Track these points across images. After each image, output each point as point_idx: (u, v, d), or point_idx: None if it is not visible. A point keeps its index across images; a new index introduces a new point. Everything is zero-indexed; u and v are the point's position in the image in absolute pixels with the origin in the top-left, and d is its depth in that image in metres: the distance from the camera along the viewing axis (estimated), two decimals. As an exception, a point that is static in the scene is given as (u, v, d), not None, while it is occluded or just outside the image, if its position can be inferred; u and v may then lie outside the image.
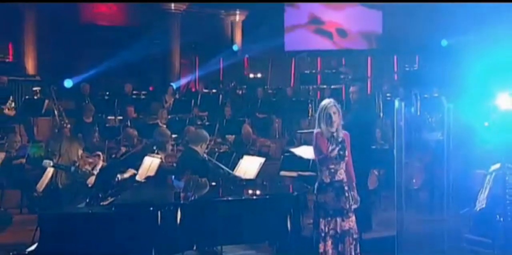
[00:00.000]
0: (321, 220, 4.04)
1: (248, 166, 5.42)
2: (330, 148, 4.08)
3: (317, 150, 4.13)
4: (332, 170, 4.09)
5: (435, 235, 5.28)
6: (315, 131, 4.23)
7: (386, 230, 5.12)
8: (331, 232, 4.02)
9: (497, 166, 4.41)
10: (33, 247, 3.20)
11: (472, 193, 5.66)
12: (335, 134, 4.11)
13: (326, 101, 4.26)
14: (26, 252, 3.17)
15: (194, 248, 3.35)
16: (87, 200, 3.49)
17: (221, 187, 4.76)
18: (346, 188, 4.11)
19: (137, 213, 3.24)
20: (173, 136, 8.13)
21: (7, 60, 11.06)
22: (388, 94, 10.18)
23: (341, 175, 4.12)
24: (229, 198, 3.78)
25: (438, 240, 5.22)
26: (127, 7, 13.04)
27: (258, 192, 4.45)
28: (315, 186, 4.10)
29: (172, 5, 13.03)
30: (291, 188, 4.88)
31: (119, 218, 3.19)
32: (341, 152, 4.12)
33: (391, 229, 5.03)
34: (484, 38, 10.16)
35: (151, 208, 3.23)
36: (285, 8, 13.61)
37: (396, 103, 5.29)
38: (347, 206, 4.08)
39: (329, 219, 4.03)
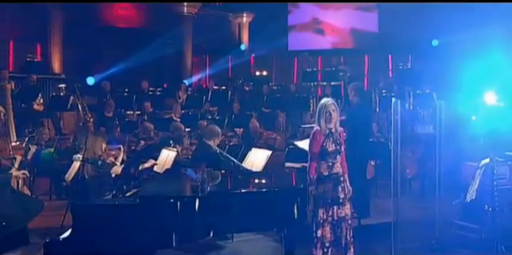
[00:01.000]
0: (320, 208, 4.08)
1: (256, 159, 5.40)
2: (328, 144, 4.12)
3: (313, 146, 4.16)
4: (330, 164, 4.13)
5: (427, 220, 5.28)
6: (314, 128, 4.25)
7: (383, 216, 5.10)
8: (329, 219, 4.08)
9: (487, 160, 4.41)
10: (66, 234, 3.22)
11: (461, 182, 5.67)
12: (333, 130, 4.16)
13: (325, 100, 4.30)
14: (60, 239, 3.18)
15: (211, 235, 3.37)
16: (114, 192, 3.52)
17: (232, 178, 4.78)
18: (341, 179, 4.16)
19: (159, 204, 3.26)
20: (187, 129, 8.17)
21: (36, 60, 11.07)
22: (383, 91, 10.16)
23: (338, 167, 4.17)
24: (243, 191, 3.80)
25: (430, 226, 5.23)
26: (144, 11, 13.02)
27: (264, 181, 4.46)
28: (313, 178, 4.10)
29: (185, 8, 13.01)
30: (293, 179, 4.86)
31: (143, 208, 3.20)
32: (338, 147, 4.17)
33: (387, 215, 5.02)
34: (472, 39, 10.10)
35: (172, 200, 3.25)
36: (288, 10, 13.55)
37: (393, 100, 5.28)
38: (343, 195, 4.14)
39: (327, 207, 4.08)
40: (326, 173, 4.11)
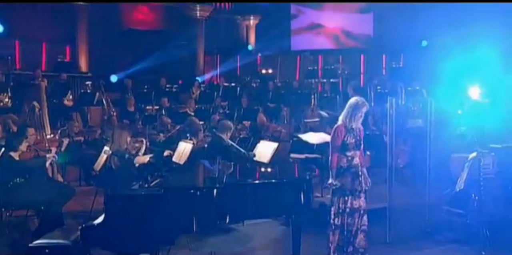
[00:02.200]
0: (338, 199, 4.05)
1: (263, 150, 5.34)
2: (349, 139, 4.03)
3: (335, 140, 4.06)
4: (350, 157, 4.05)
5: (418, 206, 5.30)
6: (338, 123, 4.12)
7: (378, 201, 5.11)
8: (347, 209, 4.04)
9: (474, 154, 4.39)
10: (99, 220, 3.25)
11: (448, 172, 5.66)
12: (354, 126, 4.07)
13: (359, 99, 4.13)
14: (95, 224, 3.21)
15: (227, 221, 3.39)
16: (140, 182, 3.54)
17: (242, 168, 4.78)
18: (360, 172, 4.08)
19: (181, 194, 3.29)
20: (200, 122, 8.16)
21: (65, 60, 11.11)
22: (378, 87, 10.09)
23: (356, 161, 4.07)
24: (256, 182, 3.81)
25: (421, 211, 5.25)
26: (161, 15, 12.99)
27: (269, 170, 4.45)
28: (334, 169, 4.04)
29: (198, 12, 13.00)
30: (296, 170, 4.87)
31: (167, 198, 3.23)
32: (357, 142, 4.08)
33: (382, 201, 5.03)
34: (458, 40, 10.00)
35: (192, 190, 3.27)
36: (291, 14, 13.45)
37: (388, 97, 5.25)
38: (360, 187, 4.07)
39: (346, 198, 4.03)
40: (345, 166, 4.04)
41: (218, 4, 13.39)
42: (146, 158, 5.23)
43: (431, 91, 8.77)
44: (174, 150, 5.72)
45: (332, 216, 4.07)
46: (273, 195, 3.51)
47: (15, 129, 6.80)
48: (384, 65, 12.24)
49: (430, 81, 9.43)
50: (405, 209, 5.19)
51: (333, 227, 4.07)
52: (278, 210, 3.66)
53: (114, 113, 8.93)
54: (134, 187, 3.56)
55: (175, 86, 11.25)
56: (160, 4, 12.79)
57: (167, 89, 10.87)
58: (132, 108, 9.58)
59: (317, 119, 8.39)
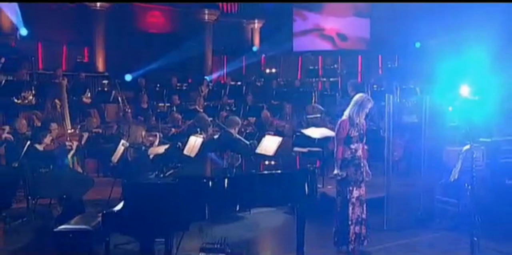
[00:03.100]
0: (342, 188, 4.05)
1: (269, 144, 5.35)
2: (353, 132, 4.02)
3: (340, 133, 4.04)
4: (353, 150, 4.05)
5: (413, 196, 5.29)
6: (342, 118, 4.10)
7: (376, 192, 5.09)
8: (352, 199, 4.04)
9: (468, 146, 4.36)
10: (119, 207, 3.25)
11: (440, 164, 5.64)
12: (358, 121, 4.05)
13: (364, 96, 4.10)
14: (115, 210, 3.21)
15: (237, 208, 3.38)
16: (156, 173, 3.54)
17: (249, 160, 4.78)
18: (362, 164, 4.08)
19: (195, 183, 3.28)
20: (209, 118, 8.15)
21: (84, 61, 11.10)
22: (374, 86, 10.05)
23: (359, 153, 4.08)
24: (264, 172, 3.81)
25: (416, 200, 5.24)
26: (172, 19, 12.96)
27: (273, 162, 4.44)
28: (339, 160, 4.02)
29: (206, 16, 12.93)
30: (298, 162, 4.85)
31: (182, 187, 3.22)
32: (361, 136, 4.07)
33: (380, 191, 5.03)
34: (449, 42, 9.97)
35: (205, 180, 3.26)
36: (293, 18, 13.41)
37: (386, 95, 5.23)
38: (361, 178, 4.07)
39: (350, 188, 4.03)
40: (349, 157, 4.03)
41: (225, 8, 13.37)
42: (162, 149, 5.23)
43: (424, 89, 8.74)
44: (184, 144, 5.74)
45: (340, 205, 4.06)
46: (280, 184, 3.50)
47: (39, 123, 6.83)
48: (380, 65, 12.19)
49: (423, 80, 9.39)
50: (401, 198, 5.18)
51: (339, 216, 4.07)
52: (285, 199, 3.65)
53: (129, 110, 8.93)
54: (151, 176, 3.55)
55: (185, 84, 11.22)
56: (171, 9, 12.76)
57: (177, 87, 10.84)
58: (145, 105, 9.59)
59: (318, 115, 8.36)
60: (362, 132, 4.08)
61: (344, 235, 4.06)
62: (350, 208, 4.02)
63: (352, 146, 4.03)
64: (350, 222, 4.03)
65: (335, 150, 4.06)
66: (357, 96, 4.16)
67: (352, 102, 4.13)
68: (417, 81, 9.43)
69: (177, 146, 5.57)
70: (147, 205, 3.13)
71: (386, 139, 4.99)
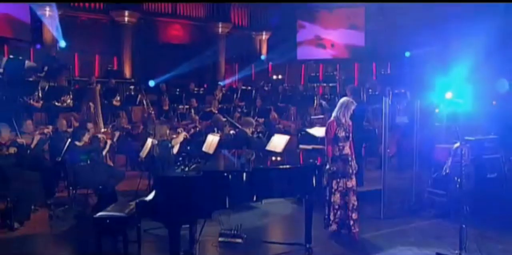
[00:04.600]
0: (333, 180, 4.08)
1: (278, 141, 5.37)
2: (339, 131, 4.06)
3: (329, 133, 4.09)
4: (341, 147, 4.09)
5: (406, 188, 5.28)
6: (330, 119, 4.16)
7: (373, 184, 5.09)
8: (340, 188, 4.07)
9: (458, 144, 4.35)
10: (150, 196, 3.26)
11: (430, 159, 5.60)
12: (343, 121, 4.09)
13: (348, 99, 4.13)
14: (147, 200, 3.24)
15: (254, 199, 3.38)
16: (182, 167, 3.54)
17: (261, 156, 4.76)
18: (349, 159, 4.11)
19: (217, 176, 3.28)
20: (223, 119, 8.14)
21: (113, 69, 11.16)
22: (369, 90, 10.00)
23: (347, 150, 4.11)
24: (279, 167, 3.80)
25: (409, 192, 5.23)
26: (190, 31, 12.99)
27: (279, 158, 4.42)
28: (329, 157, 4.06)
29: (220, 29, 12.95)
30: (307, 157, 4.82)
31: (205, 180, 3.23)
32: (347, 134, 4.11)
33: (377, 184, 5.04)
34: (435, 51, 9.92)
35: (226, 173, 3.27)
36: (297, 29, 13.38)
37: (383, 99, 5.21)
38: (350, 171, 4.10)
39: (338, 180, 4.06)
40: (337, 154, 4.08)
41: (236, 22, 13.38)
42: (181, 138, 5.24)
43: (413, 93, 8.70)
44: (202, 141, 5.73)
45: (328, 194, 4.09)
46: (292, 178, 3.50)
47: (76, 124, 6.89)
48: (374, 72, 12.12)
49: (412, 85, 9.35)
50: (395, 190, 5.16)
51: (329, 203, 4.09)
52: (296, 191, 3.65)
53: (152, 112, 8.97)
54: (177, 170, 3.56)
55: (201, 89, 11.23)
56: (190, 23, 12.79)
57: (195, 91, 10.86)
58: (166, 108, 9.63)
59: (321, 116, 8.33)
60: (348, 131, 4.10)
61: (337, 220, 4.07)
62: (342, 197, 4.04)
63: (340, 144, 4.06)
64: (344, 209, 4.04)
65: (325, 148, 4.10)
66: (343, 99, 4.22)
67: (338, 105, 4.18)
68: (407, 86, 9.38)
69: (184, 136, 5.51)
70: (175, 196, 3.15)
71: (383, 137, 4.97)
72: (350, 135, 4.14)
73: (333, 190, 4.06)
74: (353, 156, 4.17)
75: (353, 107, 4.08)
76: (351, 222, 4.07)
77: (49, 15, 10.14)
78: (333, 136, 4.06)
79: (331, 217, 4.09)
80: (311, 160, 4.14)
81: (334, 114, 4.13)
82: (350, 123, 4.17)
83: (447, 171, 4.56)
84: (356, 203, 4.10)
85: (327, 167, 4.02)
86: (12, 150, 4.79)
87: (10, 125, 5.14)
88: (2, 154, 4.54)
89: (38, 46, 10.04)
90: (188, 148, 5.14)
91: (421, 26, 10.36)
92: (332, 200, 4.08)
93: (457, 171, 3.69)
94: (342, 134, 4.07)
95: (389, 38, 11.43)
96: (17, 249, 3.98)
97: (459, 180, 3.50)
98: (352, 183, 4.09)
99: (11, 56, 8.12)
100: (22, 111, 6.88)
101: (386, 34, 11.52)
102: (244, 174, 3.27)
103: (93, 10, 11.20)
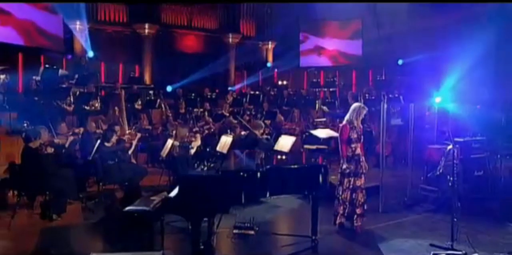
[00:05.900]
0: (345, 179, 4.07)
1: (285, 142, 5.36)
2: (352, 134, 4.05)
3: (342, 135, 4.07)
4: (353, 148, 4.07)
5: (401, 185, 5.28)
6: (343, 123, 4.13)
7: (372, 181, 5.08)
8: (351, 187, 4.06)
9: (451, 146, 4.33)
10: (174, 193, 3.29)
11: (423, 159, 5.59)
12: (356, 125, 4.09)
13: (360, 105, 4.14)
14: (171, 196, 3.26)
15: (267, 195, 3.40)
16: (202, 166, 3.57)
17: (270, 156, 4.77)
18: (361, 159, 4.09)
19: (234, 175, 3.31)
20: (235, 121, 8.15)
21: (135, 76, 11.20)
22: (366, 95, 9.95)
23: (358, 151, 4.09)
24: (289, 166, 3.81)
25: (404, 188, 5.22)
26: (204, 42, 13.01)
27: (284, 157, 4.43)
28: (344, 158, 4.02)
29: (230, 40, 12.98)
30: (304, 158, 4.81)
31: (223, 178, 3.26)
32: (359, 137, 4.09)
33: (376, 181, 5.02)
34: (425, 59, 9.88)
35: (241, 172, 3.29)
36: (300, 40, 13.37)
37: (381, 103, 5.19)
38: (361, 171, 4.08)
39: (350, 179, 4.05)
40: (351, 154, 4.06)
41: (245, 33, 13.39)
42: (199, 141, 5.28)
43: (406, 98, 8.67)
44: (216, 142, 5.75)
45: (340, 192, 4.08)
46: (301, 176, 3.51)
47: (104, 126, 6.94)
48: (370, 78, 12.07)
49: (405, 90, 9.32)
50: (392, 187, 5.16)
51: (340, 200, 4.08)
52: (304, 188, 3.66)
53: (170, 115, 9.02)
54: (197, 169, 3.59)
55: (214, 94, 11.24)
56: (203, 34, 12.82)
57: (208, 96, 10.84)
58: (183, 111, 9.63)
59: (324, 119, 8.33)
60: (360, 133, 4.10)
61: (345, 215, 4.07)
62: (351, 194, 4.03)
63: (353, 145, 4.05)
64: (352, 205, 4.05)
65: (340, 149, 4.08)
66: (355, 104, 4.21)
67: (350, 110, 4.17)
68: (400, 91, 9.34)
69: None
70: (197, 193, 3.17)
71: (381, 138, 4.96)
72: (362, 137, 4.11)
73: (344, 188, 4.05)
74: (364, 157, 4.14)
75: (364, 112, 4.08)
76: (355, 216, 4.08)
77: (79, 28, 10.32)
78: (347, 137, 4.04)
79: (340, 211, 4.09)
80: (312, 159, 4.14)
81: (347, 118, 4.12)
82: (361, 126, 4.16)
83: (441, 171, 4.54)
84: (362, 200, 4.09)
85: (344, 166, 4.01)
86: (50, 149, 4.86)
87: (47, 127, 5.21)
88: (42, 154, 4.61)
89: (70, 56, 10.20)
90: (207, 149, 5.15)
91: (412, 37, 10.35)
92: (343, 196, 4.07)
93: (449, 170, 3.67)
94: (354, 135, 4.06)
95: (383, 48, 11.42)
96: (58, 238, 4.03)
97: (451, 178, 3.49)
98: (361, 181, 4.08)
99: (47, 66, 8.23)
100: (56, 115, 6.95)
101: (381, 44, 11.51)
102: (259, 173, 3.28)
103: (117, 23, 11.32)
